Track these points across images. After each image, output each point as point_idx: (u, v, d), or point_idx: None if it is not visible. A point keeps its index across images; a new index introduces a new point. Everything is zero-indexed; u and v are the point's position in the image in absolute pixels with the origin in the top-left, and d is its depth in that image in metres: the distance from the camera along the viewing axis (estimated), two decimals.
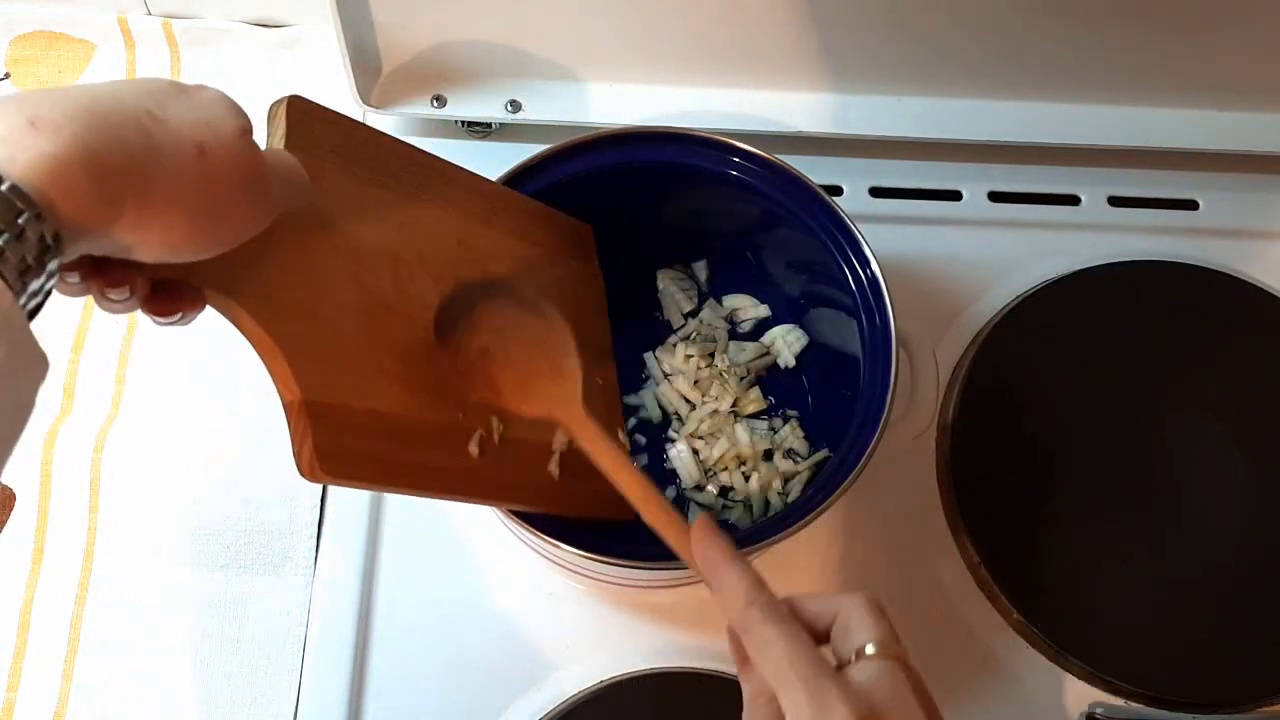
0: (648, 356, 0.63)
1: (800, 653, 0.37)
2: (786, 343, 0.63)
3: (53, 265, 0.30)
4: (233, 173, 0.35)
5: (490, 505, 0.47)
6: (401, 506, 0.61)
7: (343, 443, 0.40)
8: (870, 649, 0.37)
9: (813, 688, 0.36)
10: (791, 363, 0.62)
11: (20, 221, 0.28)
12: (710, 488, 0.60)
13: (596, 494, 0.45)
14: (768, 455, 0.60)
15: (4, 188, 0.28)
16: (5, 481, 0.62)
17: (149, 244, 0.33)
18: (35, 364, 0.32)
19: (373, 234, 0.44)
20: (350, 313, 0.42)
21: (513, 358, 0.46)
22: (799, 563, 0.60)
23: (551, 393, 0.46)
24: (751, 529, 0.50)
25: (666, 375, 0.63)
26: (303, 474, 0.39)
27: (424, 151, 0.49)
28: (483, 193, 0.52)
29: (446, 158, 0.68)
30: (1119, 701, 0.58)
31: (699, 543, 0.41)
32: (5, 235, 0.28)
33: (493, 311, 0.47)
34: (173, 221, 0.33)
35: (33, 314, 0.31)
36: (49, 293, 0.32)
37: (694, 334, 0.64)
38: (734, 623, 0.39)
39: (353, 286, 0.42)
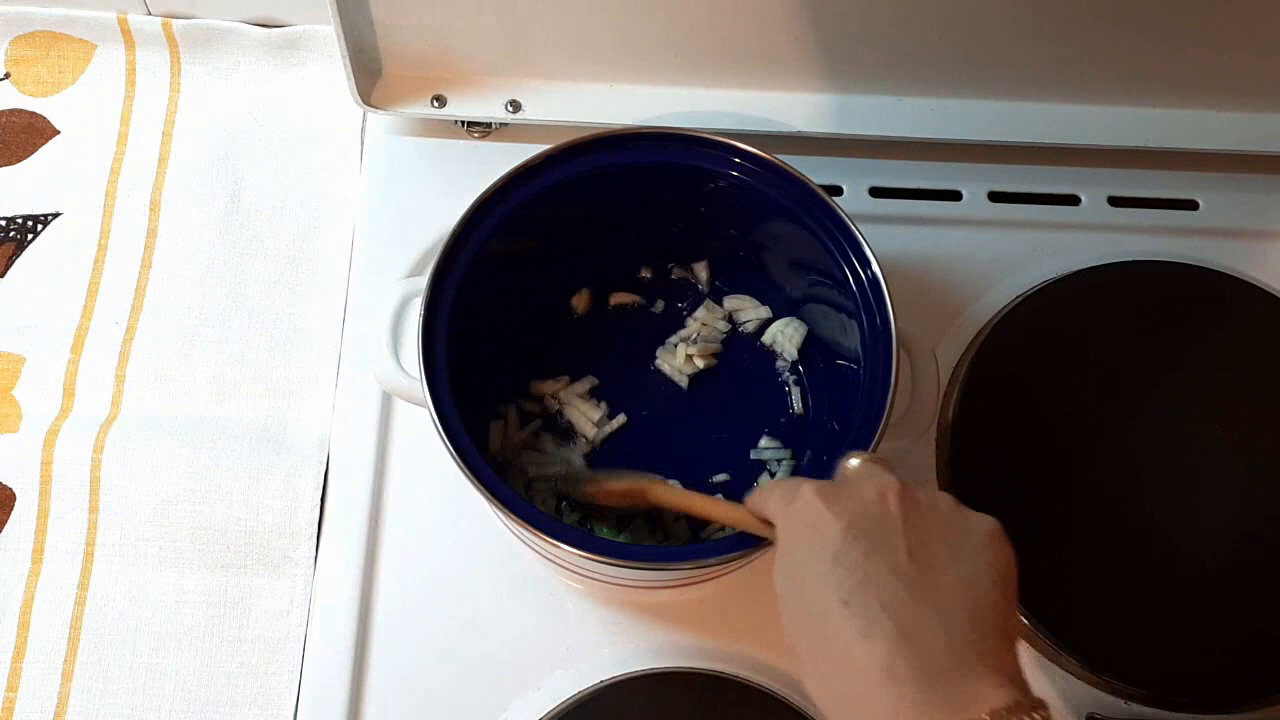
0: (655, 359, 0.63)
1: (780, 481, 0.46)
2: (785, 335, 0.63)
3: None
4: None
5: None
6: (401, 507, 0.61)
7: None
8: (854, 460, 0.44)
9: (785, 484, 0.44)
10: (794, 355, 0.62)
11: None
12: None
13: None
14: None
15: None
16: (5, 482, 0.62)
17: None
18: None
19: None
20: None
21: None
22: None
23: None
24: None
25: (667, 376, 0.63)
26: None
27: None
28: None
29: (446, 158, 0.69)
30: (1119, 702, 0.58)
31: (749, 502, 0.47)
32: None
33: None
34: None
35: None
36: None
37: (694, 335, 0.64)
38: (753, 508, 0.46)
39: None
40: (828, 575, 0.39)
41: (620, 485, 0.55)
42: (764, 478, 0.60)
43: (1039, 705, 0.35)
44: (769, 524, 0.45)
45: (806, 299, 0.62)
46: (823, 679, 0.39)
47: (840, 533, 0.39)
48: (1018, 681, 0.37)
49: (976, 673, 0.36)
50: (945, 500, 0.42)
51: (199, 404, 0.64)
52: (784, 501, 0.43)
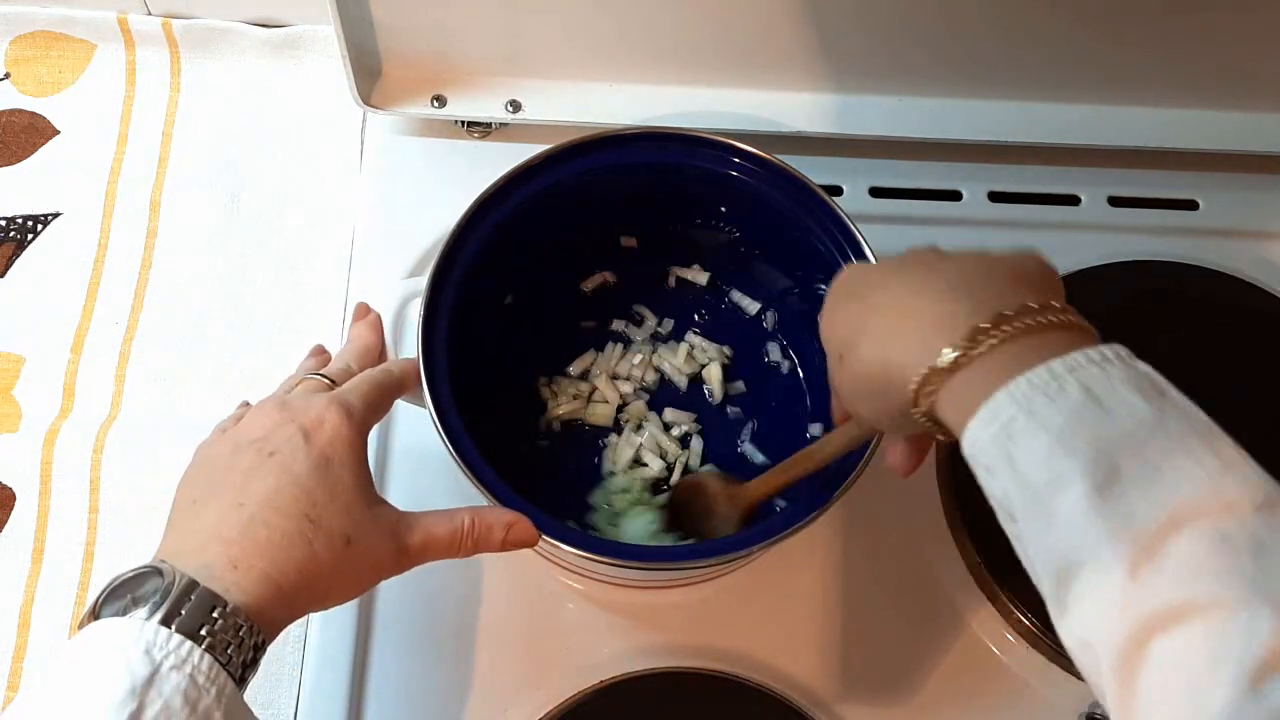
0: (652, 356, 0.63)
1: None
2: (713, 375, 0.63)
3: (260, 655, 0.40)
4: (380, 555, 0.45)
5: None
6: (401, 507, 0.60)
7: None
8: None
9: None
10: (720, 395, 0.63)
11: (240, 634, 0.39)
12: None
13: None
14: None
15: (227, 610, 0.38)
16: (5, 481, 0.62)
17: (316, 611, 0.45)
18: None
19: None
20: None
21: None
22: (800, 563, 0.60)
23: None
24: (753, 530, 0.50)
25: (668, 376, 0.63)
26: None
27: None
28: None
29: (446, 158, 0.69)
30: None
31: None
32: (231, 644, 0.38)
33: None
34: (333, 601, 0.44)
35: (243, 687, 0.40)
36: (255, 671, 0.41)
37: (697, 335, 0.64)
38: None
39: None
40: (881, 269, 0.43)
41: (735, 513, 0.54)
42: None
43: (1085, 324, 0.37)
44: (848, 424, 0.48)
45: (806, 298, 0.62)
46: (873, 334, 0.40)
47: (895, 260, 0.42)
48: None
49: (1022, 295, 0.37)
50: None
51: (199, 403, 0.64)
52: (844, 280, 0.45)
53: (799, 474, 0.52)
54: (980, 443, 0.35)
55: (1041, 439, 0.33)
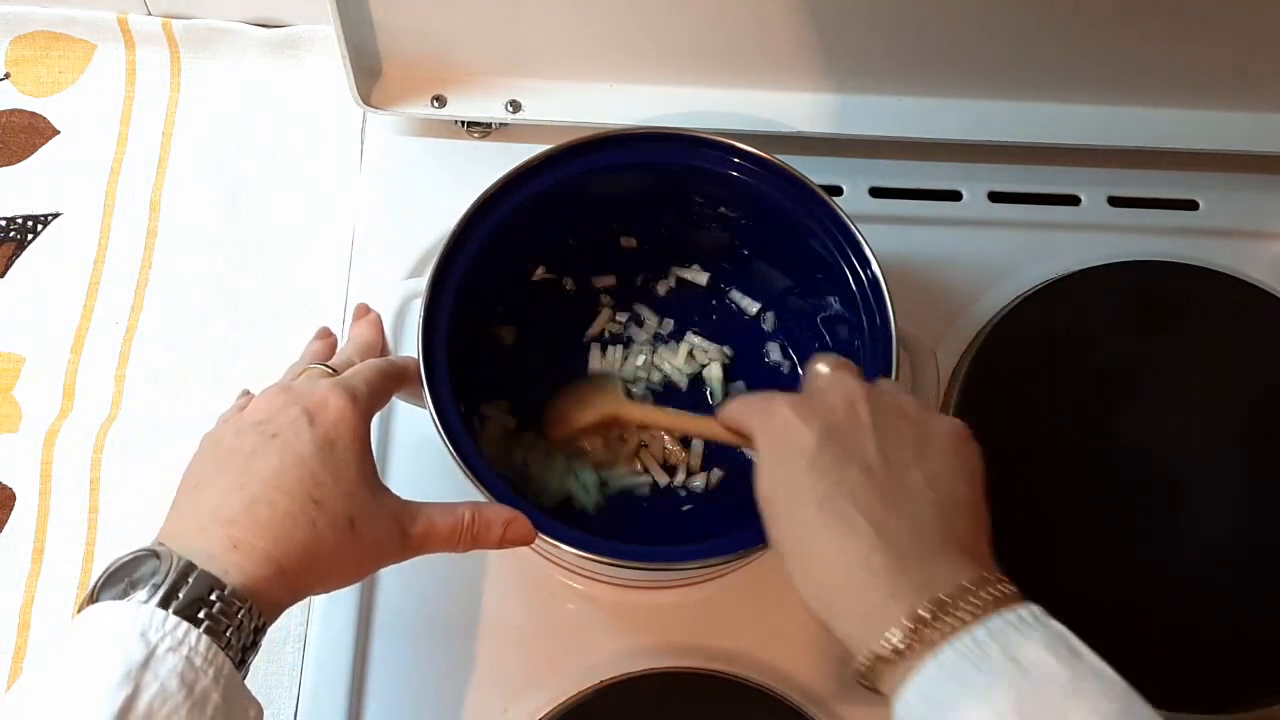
0: (653, 357, 0.63)
1: (754, 396, 0.48)
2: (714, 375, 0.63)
3: (260, 637, 0.40)
4: (382, 540, 0.45)
5: None
6: None
7: None
8: (822, 367, 0.47)
9: (760, 399, 0.47)
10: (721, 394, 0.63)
11: (239, 616, 0.39)
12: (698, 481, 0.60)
13: None
14: None
15: (225, 593, 0.38)
16: (5, 481, 0.62)
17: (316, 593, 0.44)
18: (250, 705, 0.40)
19: None
20: None
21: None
22: None
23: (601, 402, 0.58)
24: (753, 530, 0.50)
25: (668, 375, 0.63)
26: None
27: None
28: None
29: (446, 158, 0.69)
30: None
31: (721, 415, 0.50)
32: (230, 626, 0.38)
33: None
34: (333, 584, 0.44)
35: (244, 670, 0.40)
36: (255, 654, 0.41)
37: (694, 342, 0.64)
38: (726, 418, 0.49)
39: None
40: (804, 482, 0.42)
41: (590, 418, 0.57)
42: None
43: (1001, 580, 0.39)
44: (741, 435, 0.48)
45: (806, 298, 0.62)
46: (805, 574, 0.42)
47: (815, 442, 0.43)
48: (983, 560, 0.40)
49: (944, 556, 0.39)
50: (910, 403, 0.45)
51: (199, 403, 0.64)
52: (762, 416, 0.46)
53: (666, 427, 0.57)
54: (913, 707, 0.37)
55: (970, 704, 0.35)
